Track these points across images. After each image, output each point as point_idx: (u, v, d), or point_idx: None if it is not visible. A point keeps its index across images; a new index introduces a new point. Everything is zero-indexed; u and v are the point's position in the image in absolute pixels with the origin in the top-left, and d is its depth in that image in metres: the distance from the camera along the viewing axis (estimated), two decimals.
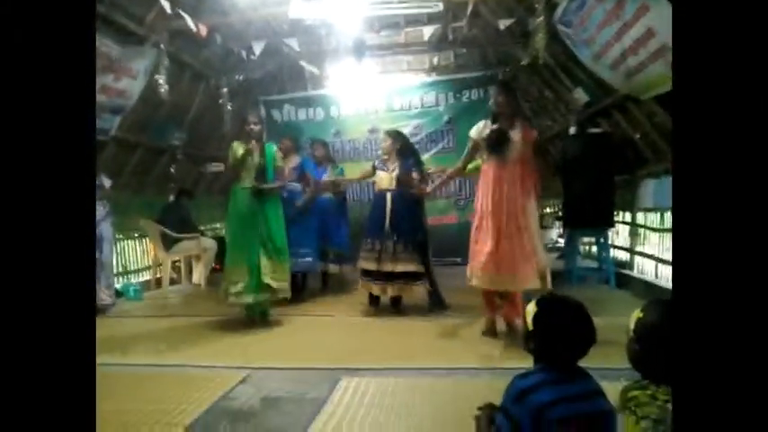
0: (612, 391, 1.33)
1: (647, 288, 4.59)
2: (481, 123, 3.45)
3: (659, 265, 4.79)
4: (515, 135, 3.25)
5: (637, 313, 1.28)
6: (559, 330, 1.30)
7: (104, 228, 4.61)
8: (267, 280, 3.77)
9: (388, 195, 4.12)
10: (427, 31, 5.70)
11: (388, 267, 4.01)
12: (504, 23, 4.83)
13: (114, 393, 2.54)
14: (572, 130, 5.40)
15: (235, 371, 2.84)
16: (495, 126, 3.29)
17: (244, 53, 5.67)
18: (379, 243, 4.05)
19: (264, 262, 3.78)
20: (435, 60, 7.51)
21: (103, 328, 3.87)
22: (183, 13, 4.28)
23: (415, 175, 4.16)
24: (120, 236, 5.74)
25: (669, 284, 4.18)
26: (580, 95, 5.21)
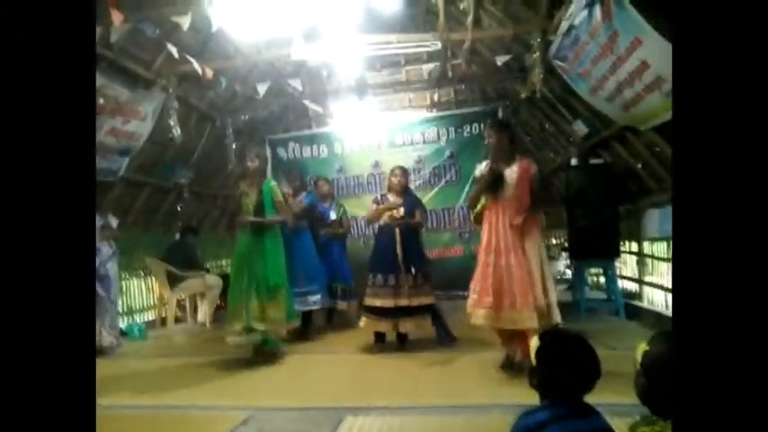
0: (625, 428, 1.28)
1: (657, 319, 4.49)
2: (483, 163, 3.45)
3: (669, 295, 4.70)
4: (512, 173, 3.23)
5: (643, 346, 1.24)
6: (562, 363, 1.27)
7: (110, 267, 4.62)
8: (254, 323, 3.76)
9: (398, 229, 4.10)
10: (427, 69, 5.84)
11: (404, 302, 3.94)
12: (501, 60, 4.95)
13: None
14: (573, 162, 5.43)
15: (236, 411, 2.77)
16: (490, 166, 3.27)
17: (249, 93, 5.83)
18: (394, 278, 3.99)
19: (254, 304, 3.76)
20: (436, 97, 7.66)
21: (106, 368, 3.82)
22: (189, 58, 4.42)
23: (418, 212, 4.21)
24: (126, 275, 5.75)
25: None
26: (579, 127, 5.26)
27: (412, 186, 6.55)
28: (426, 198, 6.62)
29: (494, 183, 3.23)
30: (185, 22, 3.79)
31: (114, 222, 4.91)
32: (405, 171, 4.38)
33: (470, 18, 4.69)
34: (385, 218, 4.22)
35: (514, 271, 3.12)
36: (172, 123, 4.86)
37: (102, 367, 3.80)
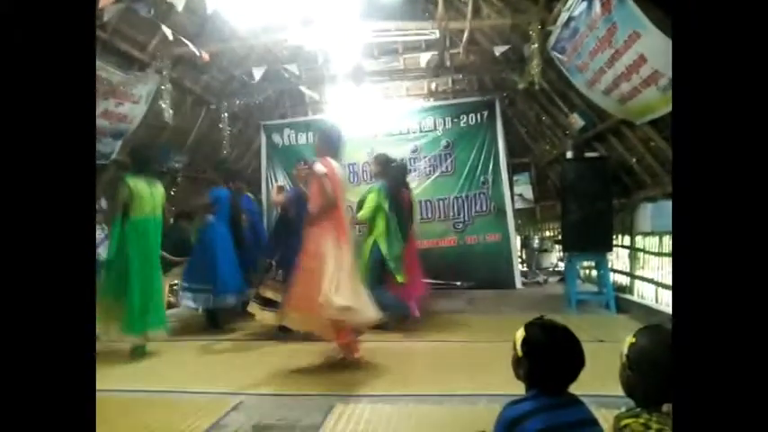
0: (611, 419, 1.29)
1: (647, 313, 4.54)
2: None
3: (659, 289, 4.75)
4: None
5: (630, 339, 1.26)
6: (548, 355, 1.28)
7: (101, 252, 4.60)
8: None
9: None
10: (424, 58, 5.80)
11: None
12: (499, 50, 4.92)
13: (105, 420, 2.49)
14: (569, 155, 5.44)
15: (227, 397, 2.79)
16: None
17: (245, 78, 5.77)
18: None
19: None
20: (433, 86, 7.63)
21: (98, 352, 3.82)
22: (184, 40, 4.36)
23: None
24: None
25: (669, 309, 4.14)
26: (576, 120, 5.26)
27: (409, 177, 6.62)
28: (421, 188, 6.64)
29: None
30: (180, 3, 3.73)
31: (106, 206, 4.88)
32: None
33: (469, 7, 4.65)
34: None
35: (309, 273, 3.13)
36: (164, 106, 4.81)
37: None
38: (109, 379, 3.14)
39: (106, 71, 4.20)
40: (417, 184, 6.64)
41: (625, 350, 1.27)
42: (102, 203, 4.80)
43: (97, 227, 4.58)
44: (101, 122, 4.50)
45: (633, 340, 1.26)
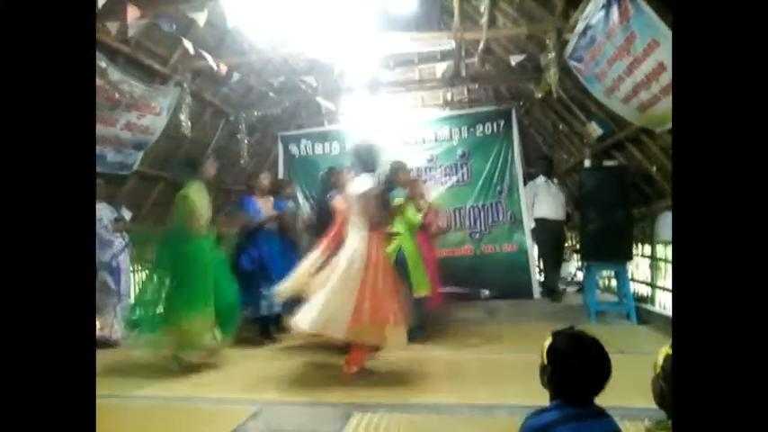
0: (634, 431, 1.27)
1: (669, 323, 4.44)
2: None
3: None
4: None
5: (666, 349, 1.22)
6: (572, 363, 1.27)
7: (122, 260, 4.69)
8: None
9: None
10: (440, 68, 5.82)
11: None
12: (515, 59, 4.92)
13: (122, 426, 2.52)
14: (587, 164, 5.39)
15: (245, 405, 2.80)
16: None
17: (263, 89, 5.85)
18: None
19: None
20: (449, 96, 7.64)
21: (118, 359, 3.87)
22: (204, 54, 4.46)
23: None
24: (139, 268, 5.82)
25: None
26: (594, 129, 5.22)
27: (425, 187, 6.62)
28: (437, 197, 6.63)
29: None
30: (201, 18, 3.82)
31: (128, 216, 4.98)
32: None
33: (485, 17, 4.66)
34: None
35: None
36: (183, 119, 4.91)
37: (114, 358, 3.86)
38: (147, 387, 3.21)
39: (129, 84, 4.30)
40: (433, 194, 6.64)
41: (660, 361, 1.22)
42: (124, 213, 4.88)
43: (118, 235, 4.66)
44: (123, 134, 4.61)
45: (670, 351, 1.21)
